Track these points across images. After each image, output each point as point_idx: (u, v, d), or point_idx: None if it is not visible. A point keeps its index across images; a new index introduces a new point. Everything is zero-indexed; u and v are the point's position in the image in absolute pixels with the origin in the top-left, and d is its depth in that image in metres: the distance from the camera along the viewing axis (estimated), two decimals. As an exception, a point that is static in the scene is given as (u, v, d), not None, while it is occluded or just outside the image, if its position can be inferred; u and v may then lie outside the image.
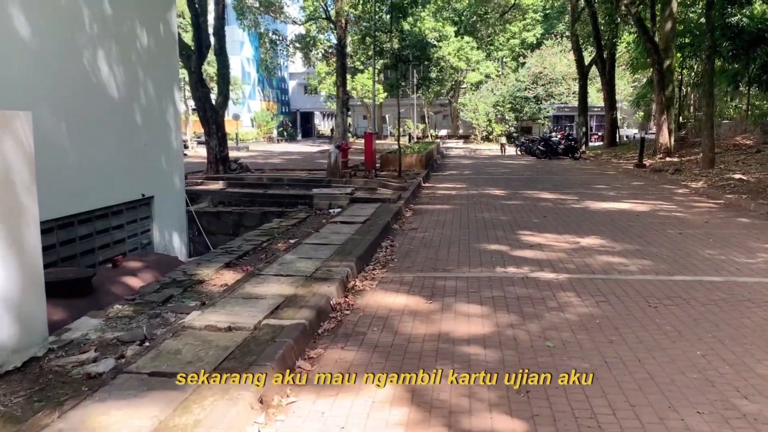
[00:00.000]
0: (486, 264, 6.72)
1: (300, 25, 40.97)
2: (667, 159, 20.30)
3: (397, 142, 18.90)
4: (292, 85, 71.95)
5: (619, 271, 6.32)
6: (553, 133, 30.28)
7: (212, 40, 17.27)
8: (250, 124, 58.86)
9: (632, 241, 7.92)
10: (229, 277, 6.25)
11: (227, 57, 17.90)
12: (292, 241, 7.96)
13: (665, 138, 21.14)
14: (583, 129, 30.72)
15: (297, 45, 42.64)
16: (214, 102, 17.37)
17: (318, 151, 36.20)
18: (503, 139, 37.78)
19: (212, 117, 16.94)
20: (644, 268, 6.47)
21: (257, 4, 35.50)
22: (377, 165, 18.21)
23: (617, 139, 31.08)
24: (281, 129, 62.15)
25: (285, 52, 43.49)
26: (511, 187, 14.86)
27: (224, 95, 17.47)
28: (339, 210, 10.76)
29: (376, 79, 48.51)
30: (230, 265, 6.65)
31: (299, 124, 71.33)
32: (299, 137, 66.48)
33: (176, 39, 10.82)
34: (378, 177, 15.86)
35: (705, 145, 16.30)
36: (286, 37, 40.91)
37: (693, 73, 29.61)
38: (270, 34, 39.11)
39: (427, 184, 15.88)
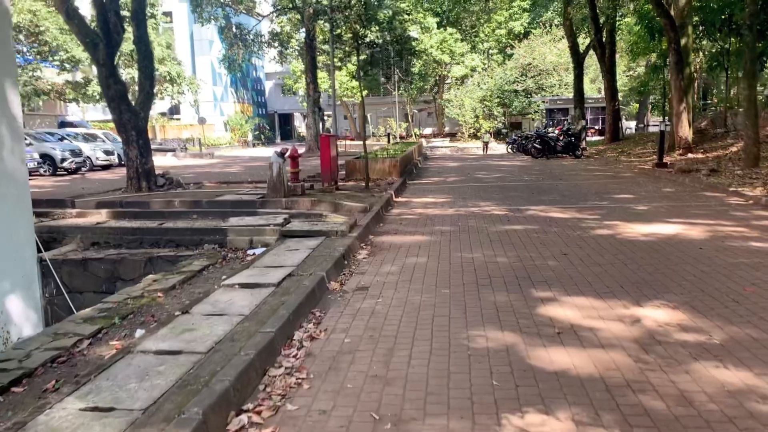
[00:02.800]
0: (481, 398, 3.35)
1: (264, 18, 37.60)
2: (690, 156, 17.03)
3: (378, 143, 15.53)
4: (268, 85, 68.07)
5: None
6: (550, 129, 26.93)
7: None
8: (223, 129, 55.05)
9: (731, 314, 4.58)
10: None
11: (149, 46, 14.39)
12: (140, 332, 4.57)
13: (685, 130, 17.80)
14: (582, 122, 27.39)
15: (265, 39, 39.06)
16: (134, 102, 13.91)
17: (289, 156, 32.64)
18: (486, 137, 34.25)
19: (131, 121, 13.42)
20: (810, 407, 3.14)
21: (215, -5, 32.01)
22: (341, 174, 14.85)
23: (621, 134, 27.79)
24: (257, 132, 58.31)
25: (254, 49, 39.79)
26: (508, 200, 11.53)
27: (146, 93, 13.96)
28: (262, 250, 7.36)
29: (357, 76, 45.18)
30: (-47, 424, 3.25)
31: (278, 127, 67.55)
32: (278, 140, 62.73)
33: (10, 14, 7.41)
34: (339, 190, 12.48)
35: (748, 137, 12.96)
36: (251, 32, 37.26)
37: (702, 55, 26.44)
38: (233, 29, 35.51)
39: (400, 198, 12.52)
